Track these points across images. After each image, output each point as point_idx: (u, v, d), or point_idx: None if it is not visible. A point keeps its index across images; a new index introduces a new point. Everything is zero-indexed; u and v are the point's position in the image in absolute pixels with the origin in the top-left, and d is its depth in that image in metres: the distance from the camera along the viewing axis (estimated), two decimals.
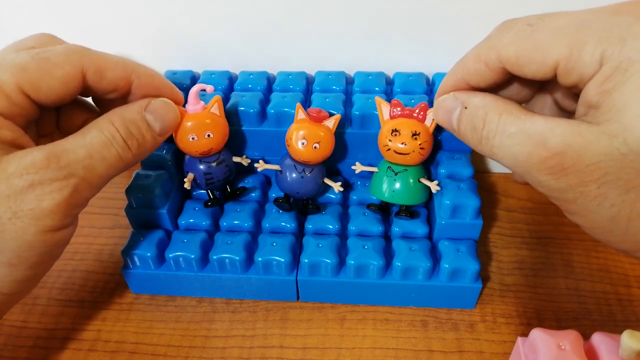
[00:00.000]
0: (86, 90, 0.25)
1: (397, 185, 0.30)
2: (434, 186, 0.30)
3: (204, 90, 0.29)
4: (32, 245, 0.23)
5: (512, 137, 0.21)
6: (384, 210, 0.32)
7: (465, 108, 0.23)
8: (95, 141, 0.24)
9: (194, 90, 0.28)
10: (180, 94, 0.29)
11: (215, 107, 0.30)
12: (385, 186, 0.30)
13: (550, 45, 0.19)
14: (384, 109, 0.29)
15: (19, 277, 0.24)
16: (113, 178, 0.25)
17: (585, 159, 0.18)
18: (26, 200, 0.22)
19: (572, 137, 0.19)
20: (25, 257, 0.23)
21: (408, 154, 0.29)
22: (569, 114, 0.25)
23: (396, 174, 0.30)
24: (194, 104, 0.29)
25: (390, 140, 0.29)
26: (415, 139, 0.28)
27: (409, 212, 0.31)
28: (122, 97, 0.27)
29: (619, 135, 0.18)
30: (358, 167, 0.31)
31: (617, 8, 0.19)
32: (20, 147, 0.23)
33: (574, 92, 0.21)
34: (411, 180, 0.30)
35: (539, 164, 0.20)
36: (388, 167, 0.30)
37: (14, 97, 0.23)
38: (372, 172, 0.31)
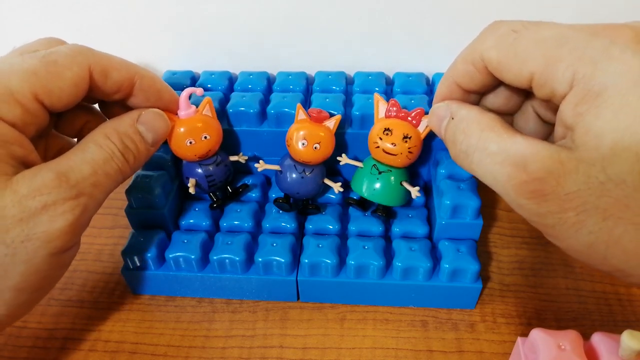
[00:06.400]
0: (91, 91, 0.25)
1: (379, 184, 0.30)
2: (414, 192, 0.29)
3: (194, 93, 0.29)
4: (39, 269, 0.22)
5: (493, 155, 0.20)
6: (362, 206, 0.32)
7: (452, 119, 0.23)
8: (97, 157, 0.24)
9: (184, 95, 0.28)
10: (178, 97, 0.29)
11: (207, 109, 0.30)
12: (367, 183, 0.30)
13: (528, 56, 0.20)
14: (381, 106, 0.30)
15: (22, 301, 0.23)
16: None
17: (565, 187, 0.19)
18: (39, 222, 0.21)
19: (553, 164, 0.19)
20: (31, 281, 0.22)
21: (396, 155, 0.29)
22: (552, 126, 0.25)
23: (380, 173, 0.30)
24: (185, 109, 0.29)
25: (380, 139, 0.29)
26: (406, 141, 0.28)
27: (385, 211, 0.31)
28: (125, 99, 0.26)
29: (597, 164, 0.18)
30: (343, 159, 0.31)
31: (597, 29, 0.19)
32: (28, 164, 0.22)
33: (551, 106, 0.21)
34: (393, 182, 0.30)
35: (518, 187, 0.20)
36: (373, 165, 0.30)
37: (29, 104, 0.22)
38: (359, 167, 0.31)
